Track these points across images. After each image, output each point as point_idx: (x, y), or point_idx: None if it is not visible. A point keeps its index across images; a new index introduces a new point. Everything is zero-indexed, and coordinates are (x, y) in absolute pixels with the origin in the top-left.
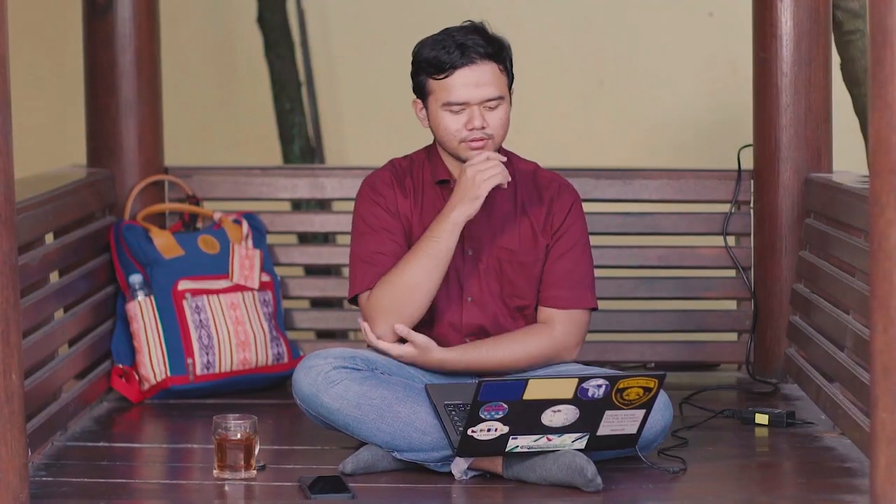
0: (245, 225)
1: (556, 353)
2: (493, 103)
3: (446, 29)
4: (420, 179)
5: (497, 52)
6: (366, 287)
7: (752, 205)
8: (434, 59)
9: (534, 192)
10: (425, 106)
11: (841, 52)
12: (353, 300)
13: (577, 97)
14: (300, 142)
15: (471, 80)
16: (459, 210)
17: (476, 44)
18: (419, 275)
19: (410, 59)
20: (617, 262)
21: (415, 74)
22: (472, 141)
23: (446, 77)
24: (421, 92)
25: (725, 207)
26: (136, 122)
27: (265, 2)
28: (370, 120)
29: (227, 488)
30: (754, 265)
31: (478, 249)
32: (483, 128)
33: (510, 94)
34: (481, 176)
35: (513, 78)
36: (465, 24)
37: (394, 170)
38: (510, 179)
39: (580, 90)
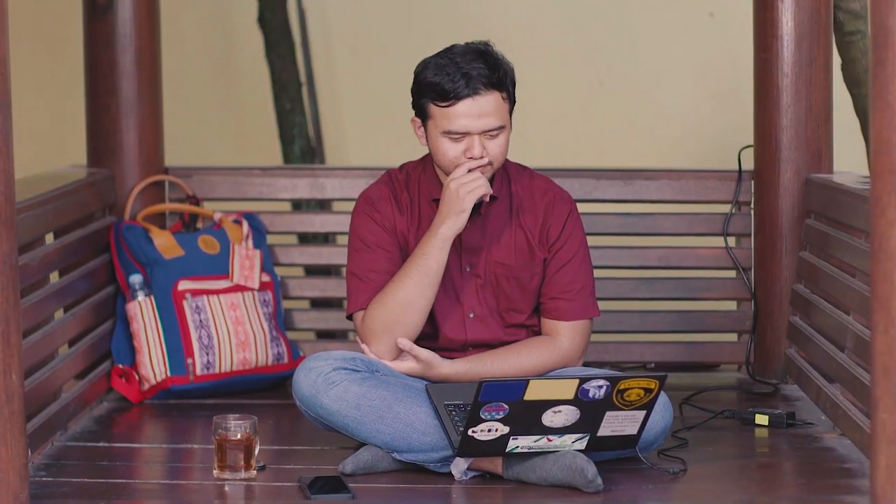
0: (245, 225)
1: (562, 364)
2: (494, 132)
3: (451, 51)
4: (416, 194)
5: (501, 80)
6: (360, 307)
7: (752, 205)
8: (437, 85)
9: (529, 203)
10: (424, 126)
11: (842, 52)
12: (352, 317)
13: (577, 97)
14: (300, 142)
15: (473, 111)
16: (447, 225)
17: (480, 74)
18: (411, 293)
19: (412, 65)
20: (617, 262)
21: (416, 95)
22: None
23: (449, 106)
24: (421, 113)
25: (726, 208)
26: (136, 122)
27: (266, 2)
28: (371, 120)
29: (227, 488)
30: (754, 266)
31: (475, 264)
32: (482, 156)
33: (511, 117)
34: (465, 189)
35: (515, 102)
36: (471, 46)
37: (390, 184)
38: (491, 192)
39: (580, 90)
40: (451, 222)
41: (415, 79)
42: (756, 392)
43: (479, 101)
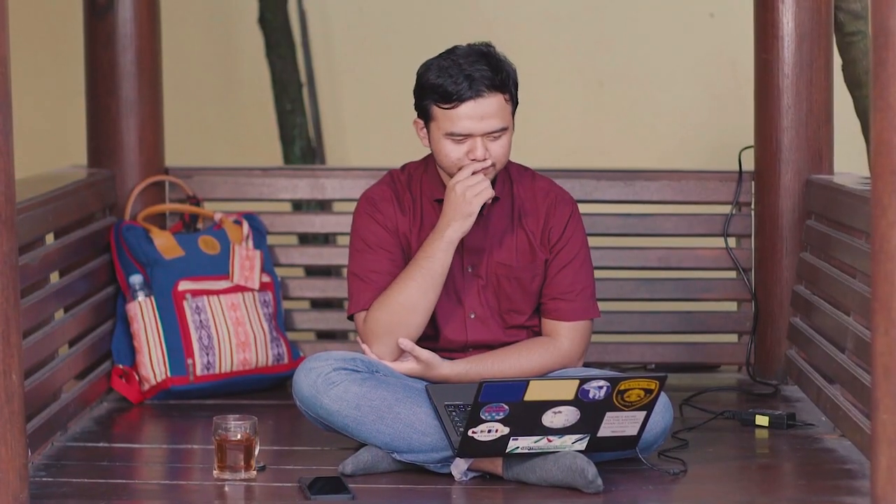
0: (245, 225)
1: (562, 365)
2: (496, 134)
3: (453, 52)
4: (418, 195)
5: (503, 82)
6: (362, 307)
7: (752, 206)
8: (440, 87)
9: (531, 205)
10: (427, 127)
11: (842, 53)
12: (352, 318)
13: (577, 99)
14: (301, 142)
15: (476, 114)
16: (454, 228)
17: (483, 76)
18: (415, 295)
19: (413, 65)
20: (618, 263)
21: (418, 96)
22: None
23: (452, 108)
24: (424, 114)
25: (726, 209)
26: (136, 123)
27: (266, 2)
28: (371, 121)
29: (227, 489)
30: (755, 266)
31: (477, 266)
32: (485, 158)
33: (513, 118)
34: (471, 192)
35: (517, 103)
36: (473, 48)
37: (392, 184)
38: (494, 193)
39: (581, 92)
40: (457, 225)
41: (417, 80)
42: (756, 393)
43: (481, 103)
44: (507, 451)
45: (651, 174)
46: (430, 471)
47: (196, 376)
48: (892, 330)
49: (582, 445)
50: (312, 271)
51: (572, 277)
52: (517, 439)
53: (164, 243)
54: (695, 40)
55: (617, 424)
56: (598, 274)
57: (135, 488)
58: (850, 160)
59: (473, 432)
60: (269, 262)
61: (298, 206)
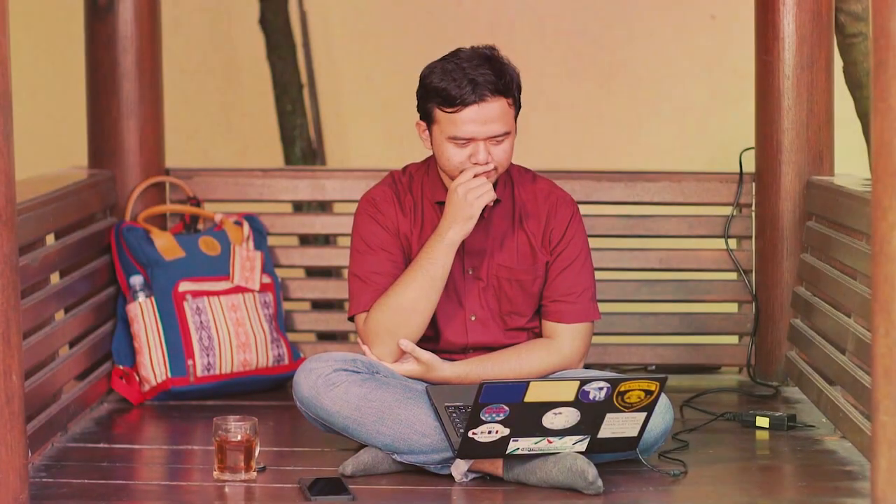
0: (246, 226)
1: (562, 367)
2: (499, 138)
3: (457, 55)
4: (419, 197)
5: (507, 86)
6: (362, 309)
7: (753, 207)
8: (443, 91)
9: (532, 207)
10: (429, 130)
11: (843, 55)
12: (353, 319)
13: (578, 100)
14: (301, 143)
15: (479, 118)
16: (455, 230)
17: (487, 81)
18: (416, 297)
19: (413, 67)
20: (618, 264)
21: (421, 99)
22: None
23: (455, 112)
24: (426, 117)
25: (727, 210)
26: (137, 124)
27: (267, 4)
28: (371, 122)
29: (227, 490)
30: (755, 268)
31: (477, 268)
32: (487, 162)
33: (516, 122)
34: (473, 194)
35: (520, 107)
36: (477, 51)
37: (394, 185)
38: (496, 196)
39: (582, 93)
40: (459, 227)
41: (420, 83)
42: (757, 394)
43: (485, 107)
44: (508, 452)
45: (652, 175)
46: (431, 472)
47: (196, 377)
48: (892, 331)
49: (582, 447)
50: (313, 272)
51: (573, 279)
52: (517, 440)
53: (165, 244)
54: (696, 42)
55: (617, 426)
56: (598, 275)
57: (135, 489)
58: (850, 162)
59: (474, 433)
60: (270, 263)
61: (299, 207)
